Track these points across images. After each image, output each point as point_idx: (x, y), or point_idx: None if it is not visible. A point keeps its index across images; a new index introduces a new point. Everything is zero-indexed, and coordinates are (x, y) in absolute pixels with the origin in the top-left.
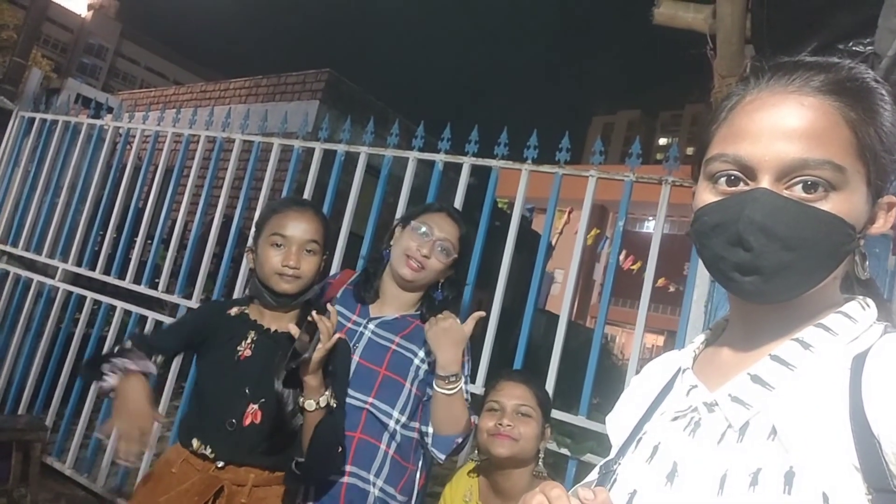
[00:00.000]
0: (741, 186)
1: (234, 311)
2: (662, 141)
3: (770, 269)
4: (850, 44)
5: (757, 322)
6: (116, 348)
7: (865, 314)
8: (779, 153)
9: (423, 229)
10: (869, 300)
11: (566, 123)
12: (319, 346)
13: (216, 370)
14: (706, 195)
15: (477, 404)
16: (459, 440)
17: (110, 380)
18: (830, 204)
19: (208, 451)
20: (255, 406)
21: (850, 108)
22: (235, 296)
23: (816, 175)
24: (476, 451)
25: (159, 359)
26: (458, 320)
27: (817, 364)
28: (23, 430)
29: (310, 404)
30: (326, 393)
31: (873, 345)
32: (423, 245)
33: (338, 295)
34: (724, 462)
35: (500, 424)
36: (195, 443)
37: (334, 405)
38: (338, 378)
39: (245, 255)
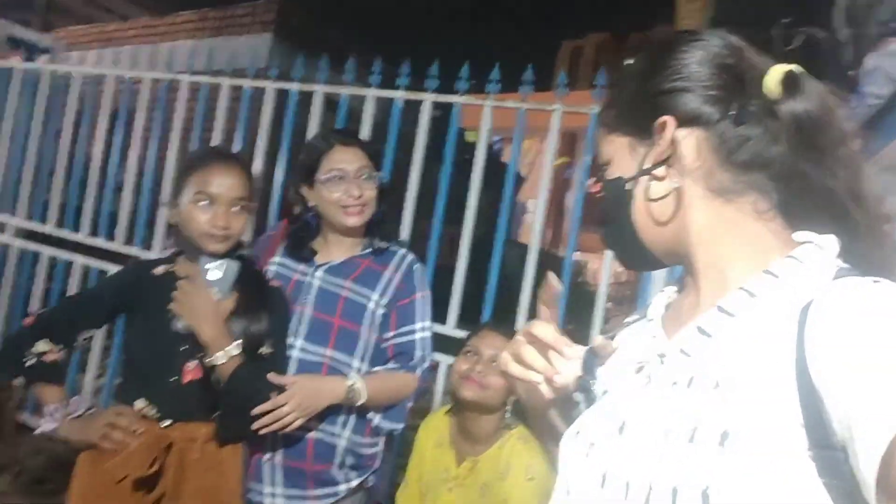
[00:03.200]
0: None
1: (159, 270)
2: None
3: (608, 242)
4: None
5: (691, 274)
6: (28, 355)
7: (819, 255)
8: None
9: (335, 174)
10: (829, 239)
11: (534, 49)
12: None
13: (148, 332)
14: None
15: (445, 343)
16: (410, 403)
17: (49, 425)
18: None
19: (153, 412)
20: (195, 362)
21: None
22: None
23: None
24: (450, 395)
25: (91, 331)
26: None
27: (761, 312)
28: None
29: (218, 357)
30: (235, 343)
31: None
32: (349, 189)
33: (280, 248)
34: (670, 415)
35: (472, 370)
36: (140, 403)
37: (268, 352)
38: (274, 325)
39: (167, 208)
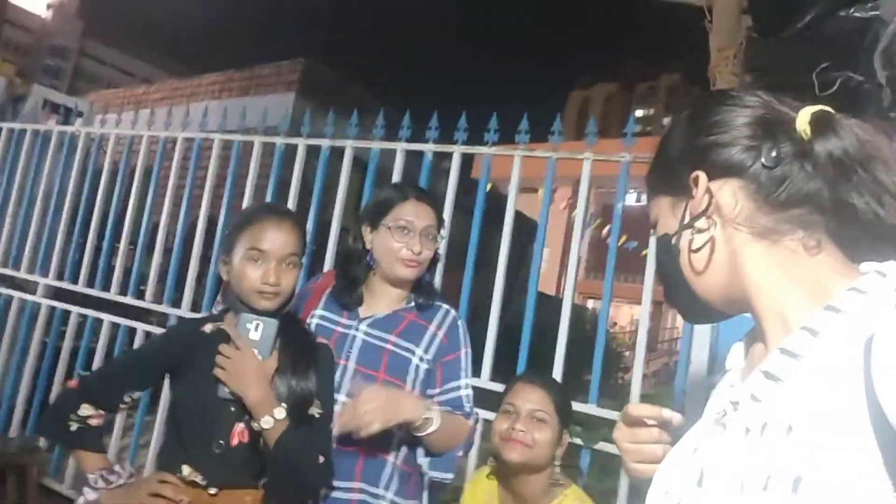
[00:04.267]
0: None
1: (208, 328)
2: (639, 113)
3: (669, 301)
4: (852, 10)
5: (757, 321)
6: (73, 419)
7: (882, 283)
8: None
9: (403, 224)
10: (891, 265)
11: (544, 100)
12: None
13: (196, 392)
14: None
15: (482, 397)
16: (461, 452)
17: (91, 495)
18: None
19: (199, 479)
20: (242, 425)
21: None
22: None
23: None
24: (492, 456)
25: (135, 395)
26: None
27: (826, 350)
28: (16, 454)
29: (266, 421)
30: (281, 406)
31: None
32: (411, 243)
33: (322, 300)
34: (745, 464)
35: (513, 429)
36: (186, 469)
37: (318, 413)
38: (323, 384)
39: (218, 265)
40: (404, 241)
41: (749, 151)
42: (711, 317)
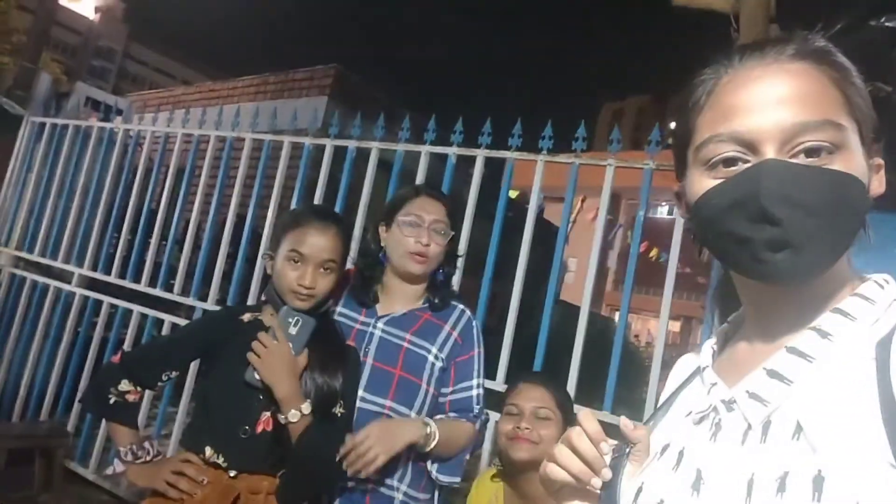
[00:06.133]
0: (740, 166)
1: (246, 317)
2: (673, 125)
3: (800, 240)
4: (883, 19)
5: (770, 311)
6: (112, 392)
7: (884, 293)
8: (778, 120)
9: (412, 219)
10: (887, 277)
11: (575, 111)
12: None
13: (229, 378)
14: (705, 182)
15: (495, 401)
16: (468, 456)
17: (120, 467)
18: (837, 165)
19: (220, 460)
20: (268, 413)
21: (830, 69)
22: (250, 295)
23: (817, 139)
24: (497, 457)
25: (173, 374)
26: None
27: (838, 354)
28: (45, 437)
29: (293, 415)
30: (307, 401)
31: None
32: (420, 235)
33: (341, 298)
34: (749, 465)
35: (519, 428)
36: (208, 450)
37: (340, 413)
38: (348, 385)
39: (262, 259)
40: (413, 235)
41: None
42: (816, 273)
